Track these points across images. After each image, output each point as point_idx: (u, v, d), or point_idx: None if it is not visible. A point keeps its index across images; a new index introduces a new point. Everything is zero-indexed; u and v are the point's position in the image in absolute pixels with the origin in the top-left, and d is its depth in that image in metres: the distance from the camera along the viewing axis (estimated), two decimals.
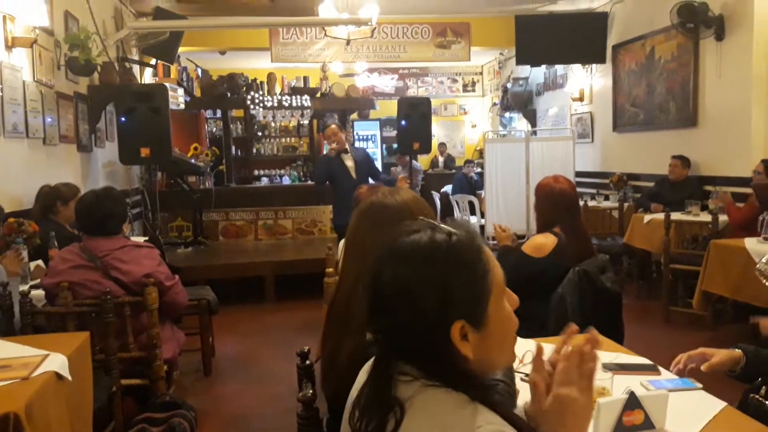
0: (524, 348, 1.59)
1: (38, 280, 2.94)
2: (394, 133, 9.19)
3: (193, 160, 7.00)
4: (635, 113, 6.85)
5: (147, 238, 5.03)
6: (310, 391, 1.35)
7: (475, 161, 10.39)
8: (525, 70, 9.14)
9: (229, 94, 7.95)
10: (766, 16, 5.04)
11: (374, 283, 0.96)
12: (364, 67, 9.54)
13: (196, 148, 7.31)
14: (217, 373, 4.03)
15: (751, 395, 1.76)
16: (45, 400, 1.74)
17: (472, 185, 9.31)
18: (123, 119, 5.16)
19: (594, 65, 7.57)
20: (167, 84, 6.01)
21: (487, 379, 1.00)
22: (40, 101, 4.24)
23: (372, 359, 1.05)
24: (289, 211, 7.35)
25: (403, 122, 6.22)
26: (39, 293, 2.80)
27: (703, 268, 4.12)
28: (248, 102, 7.97)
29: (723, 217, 4.66)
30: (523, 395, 1.28)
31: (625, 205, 6.07)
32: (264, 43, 8.14)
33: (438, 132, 11.53)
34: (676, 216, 4.83)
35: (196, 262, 6.05)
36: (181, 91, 7.35)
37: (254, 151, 10.06)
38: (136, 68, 6.61)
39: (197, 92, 8.85)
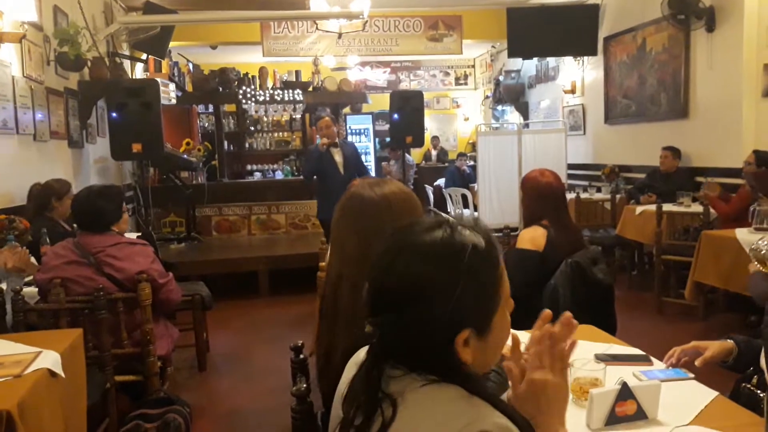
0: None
1: (30, 277, 2.92)
2: (386, 126, 9.18)
3: (185, 156, 6.97)
4: (627, 105, 6.87)
5: (140, 234, 5.01)
6: (304, 386, 1.35)
7: (468, 154, 10.40)
8: (517, 63, 9.14)
9: (220, 89, 7.91)
10: (756, 8, 5.06)
11: (382, 276, 0.94)
12: (356, 60, 9.52)
13: (188, 144, 7.28)
14: (212, 368, 4.03)
15: (743, 384, 1.78)
16: (38, 397, 1.73)
17: (465, 178, 9.32)
18: (114, 115, 5.13)
19: (586, 57, 7.58)
20: (158, 79, 5.98)
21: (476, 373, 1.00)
22: (30, 97, 4.20)
23: (360, 353, 1.05)
24: (282, 205, 7.34)
25: (395, 116, 6.22)
26: (31, 290, 2.79)
27: (694, 258, 4.14)
28: (240, 97, 7.93)
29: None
30: None
31: (617, 196, 6.09)
32: (255, 37, 8.10)
33: (430, 125, 11.52)
34: (667, 207, 4.85)
35: (190, 257, 6.04)
36: (172, 86, 7.31)
37: (247, 145, 10.03)
38: (126, 63, 6.57)
39: (189, 87, 8.80)
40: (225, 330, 4.77)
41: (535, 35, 7.02)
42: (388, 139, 8.99)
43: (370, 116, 11.28)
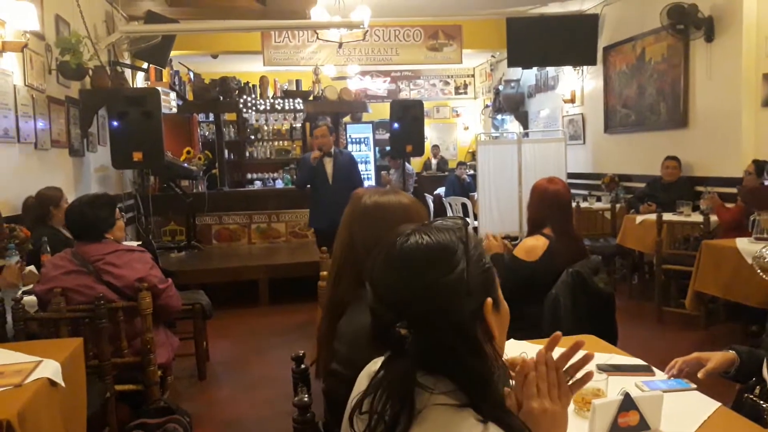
0: (519, 350, 1.59)
1: (30, 286, 2.92)
2: (386, 135, 9.20)
3: (185, 164, 6.98)
4: (626, 114, 6.89)
5: (140, 243, 5.00)
6: (306, 396, 1.35)
7: (468, 163, 10.41)
8: (517, 73, 9.18)
9: (221, 98, 7.93)
10: (755, 18, 5.09)
11: (399, 293, 0.95)
12: (356, 70, 9.55)
13: (188, 152, 7.28)
14: (212, 377, 4.02)
15: (746, 395, 1.77)
16: (38, 406, 1.73)
17: (465, 187, 9.33)
18: (115, 123, 5.14)
19: (585, 67, 7.61)
20: (159, 88, 5.99)
21: (501, 397, 1.01)
22: (32, 106, 4.21)
23: (371, 365, 1.05)
24: (282, 214, 7.34)
25: (395, 125, 6.23)
26: (31, 299, 2.79)
27: (695, 268, 4.14)
28: (241, 105, 7.95)
29: (714, 218, 4.69)
30: None
31: (617, 206, 6.10)
32: (256, 46, 8.14)
33: (430, 134, 11.55)
34: (667, 217, 4.85)
35: (190, 266, 6.03)
36: (173, 95, 7.33)
37: (247, 154, 10.05)
38: (128, 72, 6.59)
39: (189, 96, 8.83)
40: (225, 339, 4.76)
41: (534, 45, 7.05)
42: (388, 148, 9.01)
43: (371, 125, 11.31)
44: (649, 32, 6.28)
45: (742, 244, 3.79)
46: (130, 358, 2.74)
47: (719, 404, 1.55)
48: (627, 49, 6.78)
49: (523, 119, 9.48)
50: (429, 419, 0.90)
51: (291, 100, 8.14)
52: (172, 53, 6.95)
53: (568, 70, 8.00)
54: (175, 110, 7.29)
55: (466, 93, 12.05)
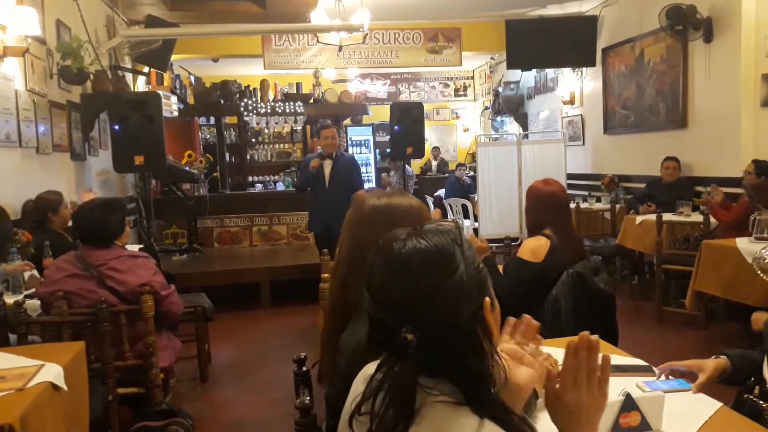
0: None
1: (33, 290, 2.93)
2: (387, 138, 9.21)
3: (187, 168, 6.99)
4: (625, 115, 6.90)
5: (142, 246, 5.02)
6: (308, 398, 1.35)
7: (468, 165, 10.42)
8: (516, 74, 9.19)
9: (222, 101, 7.95)
10: (753, 18, 5.10)
11: (402, 299, 0.95)
12: (356, 72, 9.57)
13: (190, 156, 7.30)
14: (214, 380, 4.02)
15: (746, 395, 1.78)
16: (40, 410, 1.73)
17: (465, 189, 9.34)
18: (116, 127, 5.15)
19: (584, 68, 7.62)
20: (160, 92, 6.02)
21: (500, 397, 1.01)
22: (33, 110, 4.23)
23: (368, 368, 1.06)
24: (283, 216, 7.35)
25: (396, 127, 6.24)
26: (34, 303, 2.79)
27: (695, 268, 4.15)
28: (241, 109, 7.96)
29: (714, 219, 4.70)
30: None
31: (617, 206, 6.11)
32: (256, 50, 8.15)
33: (431, 136, 11.57)
34: (667, 217, 4.86)
35: (191, 269, 6.04)
36: (174, 98, 7.35)
37: (248, 157, 10.05)
38: (129, 76, 6.60)
39: (190, 100, 8.84)
40: (227, 341, 4.77)
41: (533, 47, 7.07)
42: (388, 150, 9.02)
43: (371, 128, 11.32)
44: (648, 33, 6.29)
45: (743, 243, 3.80)
46: (132, 361, 2.74)
47: (720, 404, 1.55)
48: (626, 50, 6.79)
49: (523, 121, 9.49)
50: (427, 417, 0.92)
51: (291, 103, 8.15)
52: (173, 57, 6.97)
53: (567, 71, 8.01)
54: (176, 114, 7.31)
55: (465, 95, 12.08)
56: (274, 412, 3.44)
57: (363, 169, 8.03)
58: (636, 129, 6.70)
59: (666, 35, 5.86)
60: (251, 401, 3.64)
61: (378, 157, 11.47)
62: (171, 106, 6.93)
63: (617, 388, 1.51)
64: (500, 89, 9.82)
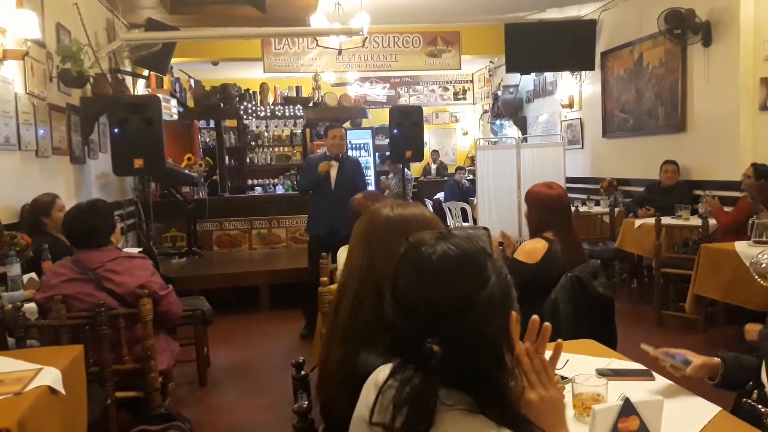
0: None
1: (31, 294, 2.92)
2: (386, 141, 9.22)
3: (186, 171, 6.99)
4: (624, 119, 6.91)
5: (141, 249, 5.01)
6: (306, 402, 1.35)
7: (467, 168, 10.43)
8: (515, 78, 9.20)
9: (222, 105, 7.95)
10: (752, 22, 5.11)
11: (431, 309, 0.92)
12: (355, 76, 9.58)
13: (189, 159, 7.30)
14: (213, 383, 4.02)
15: (744, 400, 1.78)
16: (38, 414, 1.73)
17: (464, 192, 9.34)
18: (116, 131, 5.16)
19: (583, 72, 7.63)
20: (160, 95, 6.03)
21: (518, 408, 1.00)
22: (33, 113, 4.23)
23: (378, 374, 1.04)
24: (282, 220, 7.35)
25: (395, 130, 6.24)
26: (32, 306, 2.79)
27: (694, 271, 4.15)
28: (241, 112, 7.97)
29: (713, 221, 4.70)
30: None
31: (616, 210, 6.11)
32: (256, 53, 8.16)
33: (430, 140, 11.58)
34: (666, 220, 4.86)
35: (191, 272, 6.04)
36: (174, 101, 7.35)
37: (248, 160, 10.05)
38: (128, 80, 6.61)
39: (190, 103, 8.85)
40: (226, 345, 4.76)
41: (532, 50, 7.08)
42: (388, 153, 9.02)
43: (370, 131, 11.33)
44: (647, 37, 6.30)
45: (741, 247, 3.80)
46: (130, 364, 2.74)
47: (719, 409, 1.55)
48: (625, 54, 6.80)
49: (522, 124, 9.50)
50: (443, 426, 0.89)
51: (291, 106, 8.17)
52: (173, 60, 6.97)
53: (566, 75, 8.02)
54: (175, 117, 7.31)
55: (464, 98, 12.09)
56: (272, 416, 3.43)
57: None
58: (635, 133, 6.71)
59: (665, 39, 5.87)
60: (250, 405, 3.63)
61: (378, 160, 11.48)
62: (171, 110, 6.94)
63: (616, 392, 1.51)
64: (499, 93, 9.84)
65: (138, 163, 5.08)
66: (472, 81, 11.97)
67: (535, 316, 1.13)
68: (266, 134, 10.02)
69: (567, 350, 1.92)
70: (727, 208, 4.82)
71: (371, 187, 10.68)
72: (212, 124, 9.27)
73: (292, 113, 8.13)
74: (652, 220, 4.86)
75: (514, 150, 7.24)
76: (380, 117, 10.26)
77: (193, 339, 3.91)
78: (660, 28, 5.69)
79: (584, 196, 7.24)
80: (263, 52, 8.17)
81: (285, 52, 8.26)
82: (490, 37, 8.35)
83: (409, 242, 1.00)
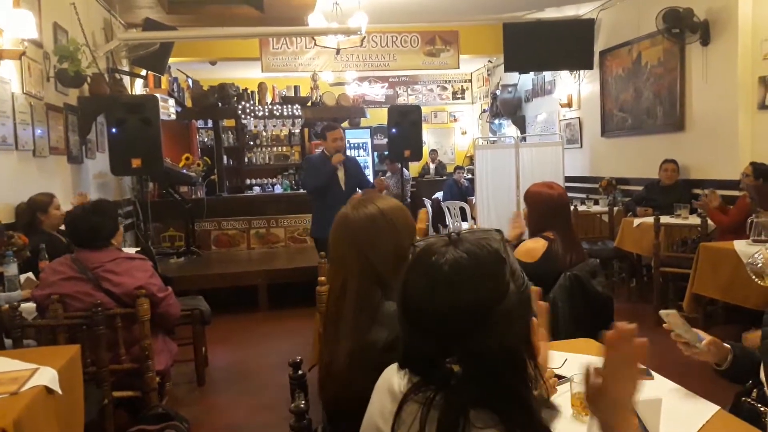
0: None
1: (29, 293, 2.91)
2: (385, 140, 9.21)
3: (184, 170, 6.99)
4: (623, 118, 6.90)
5: (139, 249, 5.00)
6: (303, 402, 1.35)
7: (465, 167, 10.43)
8: (513, 77, 9.19)
9: (220, 104, 7.94)
10: (750, 21, 5.11)
11: (445, 323, 0.86)
12: (354, 75, 9.57)
13: (187, 158, 7.29)
14: (211, 383, 4.01)
15: (743, 399, 1.77)
16: (35, 415, 1.72)
17: (463, 191, 9.34)
18: (114, 130, 5.15)
19: (582, 71, 7.62)
20: (158, 95, 6.01)
21: (547, 425, 0.95)
22: (30, 113, 4.22)
23: (392, 380, 0.99)
24: (281, 219, 7.35)
25: (393, 130, 6.24)
26: (30, 306, 2.78)
27: (693, 270, 4.14)
28: (239, 112, 7.97)
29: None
30: None
31: (615, 209, 6.11)
32: (254, 53, 8.15)
33: (428, 139, 11.57)
34: (665, 219, 4.86)
35: (189, 271, 6.03)
36: (172, 101, 7.33)
37: (246, 160, 10.05)
38: (126, 79, 6.60)
39: (188, 103, 8.84)
40: (224, 344, 4.76)
41: (531, 50, 7.08)
42: (386, 153, 9.02)
43: (369, 130, 11.32)
44: (645, 36, 6.30)
45: (740, 246, 3.79)
46: (128, 364, 2.73)
47: (718, 407, 1.55)
48: (623, 53, 6.80)
49: (521, 123, 9.50)
50: None
51: (289, 106, 8.16)
52: (171, 60, 6.97)
53: (564, 74, 8.01)
54: (173, 117, 7.30)
55: (463, 98, 12.09)
56: (270, 416, 3.42)
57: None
58: (633, 132, 6.71)
59: (663, 38, 5.86)
60: (248, 405, 3.62)
61: (376, 159, 11.48)
62: (168, 109, 6.92)
63: None
64: (498, 92, 9.84)
65: (136, 162, 5.07)
66: (470, 80, 11.97)
67: (618, 323, 1.05)
68: (264, 134, 10.02)
69: (566, 349, 1.92)
70: (726, 207, 4.82)
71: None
72: (210, 123, 9.27)
73: (290, 113, 8.13)
74: (651, 220, 4.85)
75: (512, 149, 7.23)
76: (378, 116, 10.26)
77: (191, 339, 3.90)
78: (658, 27, 5.69)
79: (583, 196, 7.24)
80: (261, 52, 8.16)
81: (283, 51, 8.25)
82: (488, 36, 8.35)
83: (417, 251, 0.94)
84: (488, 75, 10.96)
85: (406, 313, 0.91)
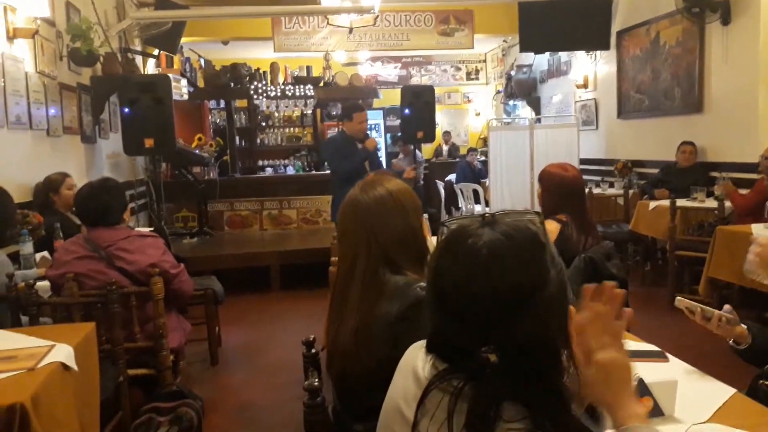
0: None
1: (43, 271, 2.94)
2: (397, 122, 9.15)
3: (197, 151, 7.00)
4: (640, 100, 6.80)
5: (152, 229, 5.03)
6: (316, 380, 1.35)
7: (479, 150, 10.35)
8: (529, 58, 9.08)
9: (232, 85, 7.92)
10: None
11: (482, 311, 0.82)
12: (366, 56, 9.48)
13: (200, 139, 7.30)
14: (224, 362, 4.04)
15: (760, 381, 1.75)
16: (51, 390, 1.74)
17: (476, 173, 9.27)
18: (126, 110, 5.15)
19: (598, 52, 7.50)
20: (170, 75, 6.01)
21: (580, 420, 0.92)
22: (43, 92, 4.23)
23: (417, 359, 0.95)
24: (293, 200, 7.35)
25: (406, 111, 6.19)
26: (45, 284, 2.81)
27: (709, 254, 4.09)
28: (251, 92, 7.95)
29: (729, 203, 4.63)
30: None
31: (630, 192, 6.04)
32: (266, 32, 8.10)
33: (442, 120, 11.48)
34: (681, 202, 4.80)
35: (202, 252, 6.06)
36: (184, 81, 7.33)
37: (258, 141, 10.05)
38: (138, 59, 6.59)
39: (200, 83, 8.83)
40: (237, 324, 4.79)
41: (547, 29, 6.96)
42: (399, 134, 8.97)
43: (381, 111, 11.25)
44: (664, 16, 6.17)
45: (758, 229, 3.74)
46: (142, 342, 2.75)
47: (734, 390, 1.53)
48: (641, 33, 6.68)
49: (536, 105, 9.39)
50: None
51: (302, 86, 8.12)
52: (183, 40, 6.95)
53: (580, 54, 7.89)
54: (186, 97, 7.30)
55: (477, 79, 11.96)
56: (283, 394, 3.45)
57: None
58: (650, 113, 6.61)
59: (682, 18, 5.74)
60: (261, 384, 3.66)
61: (389, 141, 11.42)
62: (181, 89, 6.92)
63: None
64: (513, 73, 9.72)
65: (149, 142, 5.08)
66: (485, 61, 11.83)
67: (586, 286, 1.03)
68: (276, 114, 10.01)
69: None
70: (743, 191, 4.75)
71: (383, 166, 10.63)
72: (222, 104, 9.26)
73: (302, 93, 8.09)
74: (666, 203, 4.80)
75: (527, 131, 7.16)
76: (391, 97, 10.18)
77: (204, 318, 3.94)
78: (677, 7, 5.57)
79: (598, 178, 7.17)
80: (273, 31, 8.11)
81: (295, 31, 8.19)
82: (503, 15, 8.23)
83: (449, 233, 0.90)
84: (503, 55, 10.83)
85: (440, 299, 0.87)
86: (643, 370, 1.60)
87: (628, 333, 2.03)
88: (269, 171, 9.32)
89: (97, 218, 2.80)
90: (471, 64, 11.82)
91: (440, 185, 9.58)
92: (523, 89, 9.46)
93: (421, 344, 0.96)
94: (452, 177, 9.72)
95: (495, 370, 0.81)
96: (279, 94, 8.02)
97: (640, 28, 6.68)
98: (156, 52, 6.99)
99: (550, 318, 0.84)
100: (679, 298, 1.72)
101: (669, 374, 1.55)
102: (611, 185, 6.59)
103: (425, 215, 1.73)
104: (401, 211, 1.54)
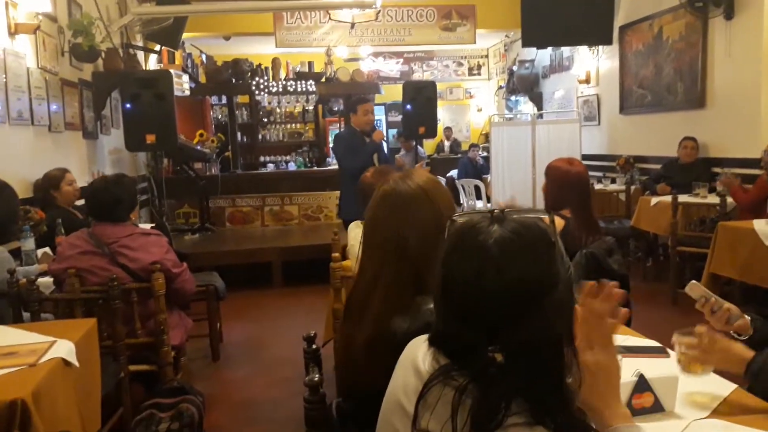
0: None
1: (45, 267, 2.95)
2: (399, 117, 9.14)
3: (198, 147, 6.99)
4: (642, 95, 6.78)
5: (154, 225, 5.04)
6: (317, 376, 1.35)
7: (481, 145, 10.33)
8: (531, 53, 9.05)
9: (233, 80, 7.91)
10: None
11: (490, 310, 0.82)
12: (368, 51, 9.46)
13: (201, 135, 7.30)
14: (225, 358, 4.05)
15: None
16: (52, 386, 1.74)
17: (478, 169, 9.27)
18: (128, 106, 5.15)
19: (600, 47, 7.48)
20: (172, 70, 6.00)
21: (582, 416, 0.92)
22: (45, 88, 4.23)
23: (417, 354, 0.95)
24: (295, 197, 7.35)
25: (408, 106, 6.17)
26: (47, 280, 2.81)
27: (710, 250, 4.09)
28: (253, 88, 7.93)
29: (731, 199, 4.62)
30: None
31: (632, 187, 6.03)
32: (268, 28, 8.09)
33: (443, 116, 11.47)
34: (683, 198, 4.79)
35: (203, 248, 6.07)
36: (185, 77, 7.32)
37: (260, 137, 10.05)
38: (140, 54, 6.58)
39: (202, 78, 8.80)
40: (238, 320, 4.80)
41: (549, 24, 6.93)
42: (400, 130, 8.95)
43: (383, 107, 11.25)
44: (667, 10, 6.15)
45: (760, 225, 3.73)
46: (143, 338, 2.76)
47: (735, 386, 1.53)
48: (644, 27, 6.65)
49: (538, 100, 9.37)
50: None
51: (303, 81, 8.10)
52: (185, 35, 6.94)
53: (583, 50, 7.87)
54: (187, 93, 7.29)
55: (479, 74, 11.93)
56: (284, 390, 3.46)
57: None
58: (653, 109, 6.59)
59: (685, 12, 5.72)
60: (262, 380, 3.66)
61: (391, 137, 11.41)
62: (182, 85, 6.92)
63: (631, 369, 1.48)
64: (515, 68, 9.69)
65: (150, 138, 5.08)
66: (487, 56, 11.80)
67: (585, 282, 1.02)
68: (278, 110, 10.00)
69: None
70: (745, 186, 4.74)
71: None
72: (224, 99, 9.25)
73: (304, 89, 8.07)
74: (668, 198, 4.79)
75: (529, 126, 7.15)
76: (393, 93, 10.16)
77: (206, 314, 3.94)
78: (681, 1, 5.55)
79: (600, 174, 7.15)
80: (275, 27, 8.10)
81: (297, 26, 8.18)
82: (506, 10, 8.21)
83: (457, 229, 0.88)
84: (505, 50, 10.80)
85: (448, 297, 0.86)
86: (644, 366, 1.60)
87: (630, 328, 2.03)
88: (271, 167, 9.32)
89: (105, 212, 2.80)
90: (473, 59, 11.80)
91: (442, 181, 9.58)
92: (525, 85, 9.44)
93: (423, 338, 0.96)
94: (454, 173, 9.72)
95: (502, 370, 0.81)
96: (281, 89, 8.01)
97: (642, 23, 6.66)
98: (158, 47, 6.98)
99: (558, 317, 0.83)
100: (694, 282, 1.70)
101: (670, 370, 1.54)
102: (613, 181, 6.58)
103: None
104: (433, 207, 1.40)
